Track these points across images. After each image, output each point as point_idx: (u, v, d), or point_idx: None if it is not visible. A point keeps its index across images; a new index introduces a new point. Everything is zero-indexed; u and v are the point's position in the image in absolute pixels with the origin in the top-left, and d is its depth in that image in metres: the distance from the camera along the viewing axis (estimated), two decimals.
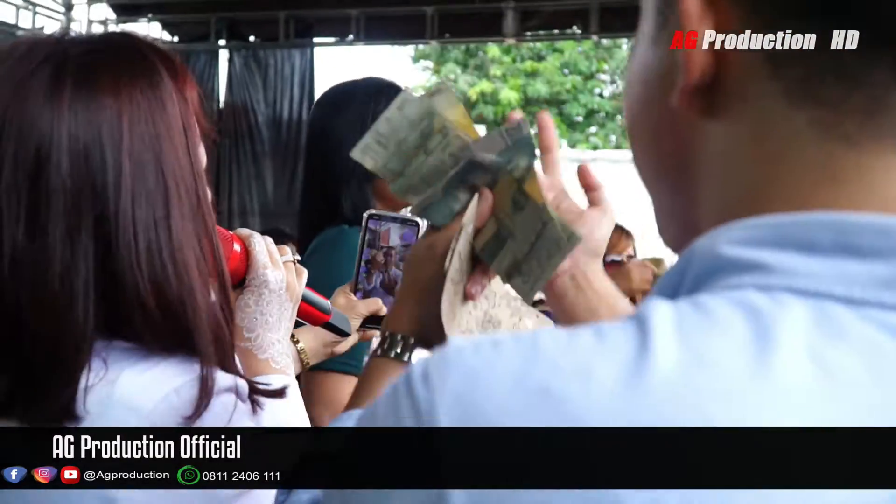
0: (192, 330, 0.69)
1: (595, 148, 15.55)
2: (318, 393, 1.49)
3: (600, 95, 16.76)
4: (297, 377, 1.45)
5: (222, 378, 0.70)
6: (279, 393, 0.78)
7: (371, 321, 1.20)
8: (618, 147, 16.03)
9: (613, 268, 2.23)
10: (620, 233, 2.38)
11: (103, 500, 0.67)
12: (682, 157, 0.41)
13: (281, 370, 0.90)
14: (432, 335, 0.68)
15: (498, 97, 15.90)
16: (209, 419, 0.68)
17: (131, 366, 0.67)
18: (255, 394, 0.74)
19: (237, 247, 0.89)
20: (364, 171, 1.56)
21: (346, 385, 1.50)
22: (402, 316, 0.71)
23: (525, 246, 0.66)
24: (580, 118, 16.61)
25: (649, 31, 0.42)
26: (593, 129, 16.93)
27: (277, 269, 0.91)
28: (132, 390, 0.66)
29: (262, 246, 0.90)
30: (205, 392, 0.67)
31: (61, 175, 0.65)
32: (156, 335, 0.68)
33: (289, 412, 0.85)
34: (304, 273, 0.98)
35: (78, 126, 0.65)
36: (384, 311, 1.20)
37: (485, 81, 16.02)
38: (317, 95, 5.74)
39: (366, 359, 1.48)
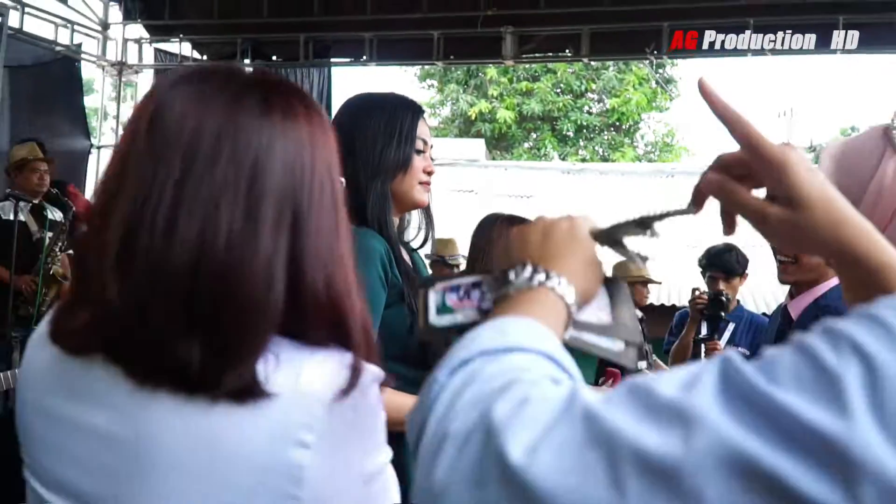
0: (349, 323, 0.73)
1: (584, 160, 15.55)
2: None
3: (589, 112, 16.74)
4: None
5: (371, 369, 0.72)
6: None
7: None
8: (604, 159, 16.04)
9: None
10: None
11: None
12: None
13: None
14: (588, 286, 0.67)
15: (495, 116, 15.88)
16: (365, 410, 0.71)
17: (308, 357, 0.70)
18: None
19: None
20: (388, 170, 1.54)
21: None
22: (562, 266, 0.65)
23: None
24: (570, 133, 16.62)
25: None
26: (582, 143, 16.93)
27: None
28: (314, 380, 0.68)
29: None
30: (354, 381, 0.69)
31: (274, 178, 0.70)
32: (320, 326, 0.71)
33: None
34: None
35: (287, 141, 0.71)
36: None
37: (483, 101, 16.01)
38: (334, 110, 5.75)
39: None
